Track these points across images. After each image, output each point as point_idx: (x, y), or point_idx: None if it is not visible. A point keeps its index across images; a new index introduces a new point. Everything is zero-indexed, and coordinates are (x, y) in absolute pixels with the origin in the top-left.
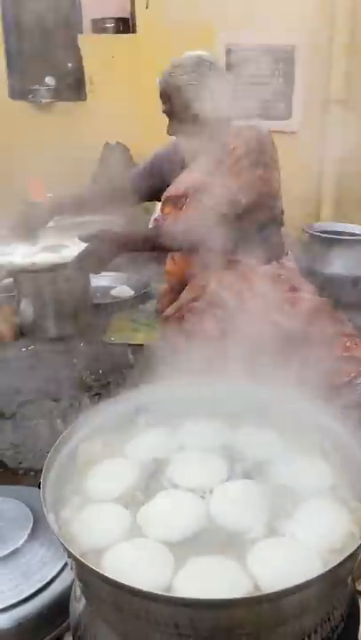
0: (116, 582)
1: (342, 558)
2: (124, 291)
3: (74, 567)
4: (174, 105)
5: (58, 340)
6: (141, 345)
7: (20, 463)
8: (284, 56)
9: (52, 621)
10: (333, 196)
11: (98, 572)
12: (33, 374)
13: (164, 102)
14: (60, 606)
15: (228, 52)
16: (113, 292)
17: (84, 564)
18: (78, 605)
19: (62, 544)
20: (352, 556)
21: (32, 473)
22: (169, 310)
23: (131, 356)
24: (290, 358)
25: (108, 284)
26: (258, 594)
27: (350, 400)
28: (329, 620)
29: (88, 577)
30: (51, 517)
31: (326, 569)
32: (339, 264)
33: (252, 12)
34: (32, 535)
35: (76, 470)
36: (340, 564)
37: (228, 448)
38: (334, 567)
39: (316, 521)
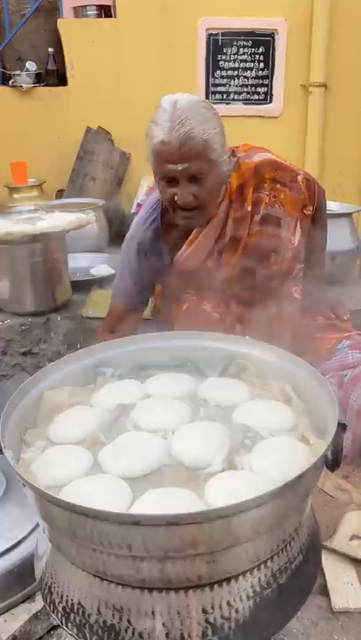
0: (67, 504)
1: (290, 479)
2: (104, 269)
3: (33, 500)
4: (197, 168)
5: (36, 315)
6: None
7: None
8: (264, 41)
9: (24, 579)
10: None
11: (51, 496)
12: (10, 348)
13: (174, 162)
14: (31, 564)
15: (209, 37)
16: (92, 271)
17: (39, 490)
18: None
19: (19, 475)
20: (301, 479)
21: None
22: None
23: None
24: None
25: (88, 264)
26: (206, 509)
27: (331, 365)
28: (286, 549)
29: (44, 506)
30: (8, 453)
31: (274, 487)
32: None
33: None
34: (4, 497)
35: (40, 417)
36: (288, 485)
37: (193, 395)
38: (282, 486)
39: (274, 454)
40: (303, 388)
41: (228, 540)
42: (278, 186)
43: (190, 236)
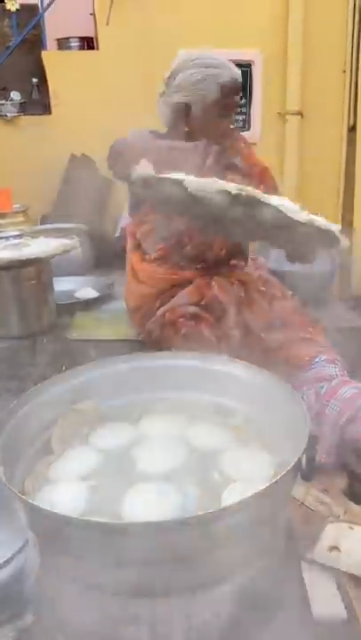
0: (56, 515)
1: (257, 491)
2: (88, 292)
3: (24, 514)
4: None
5: (21, 338)
6: (103, 340)
7: None
8: (242, 71)
9: (12, 597)
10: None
11: (40, 508)
12: None
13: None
14: (19, 583)
15: None
16: (77, 294)
17: (29, 503)
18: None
19: (10, 489)
20: (275, 486)
21: None
22: (160, 312)
23: (93, 352)
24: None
25: (73, 287)
26: (185, 516)
27: (307, 378)
28: (264, 556)
29: (34, 518)
30: (0, 470)
31: (245, 496)
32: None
33: (211, 29)
34: None
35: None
36: (264, 492)
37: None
38: (258, 493)
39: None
40: (276, 402)
41: (207, 547)
42: None
43: None
